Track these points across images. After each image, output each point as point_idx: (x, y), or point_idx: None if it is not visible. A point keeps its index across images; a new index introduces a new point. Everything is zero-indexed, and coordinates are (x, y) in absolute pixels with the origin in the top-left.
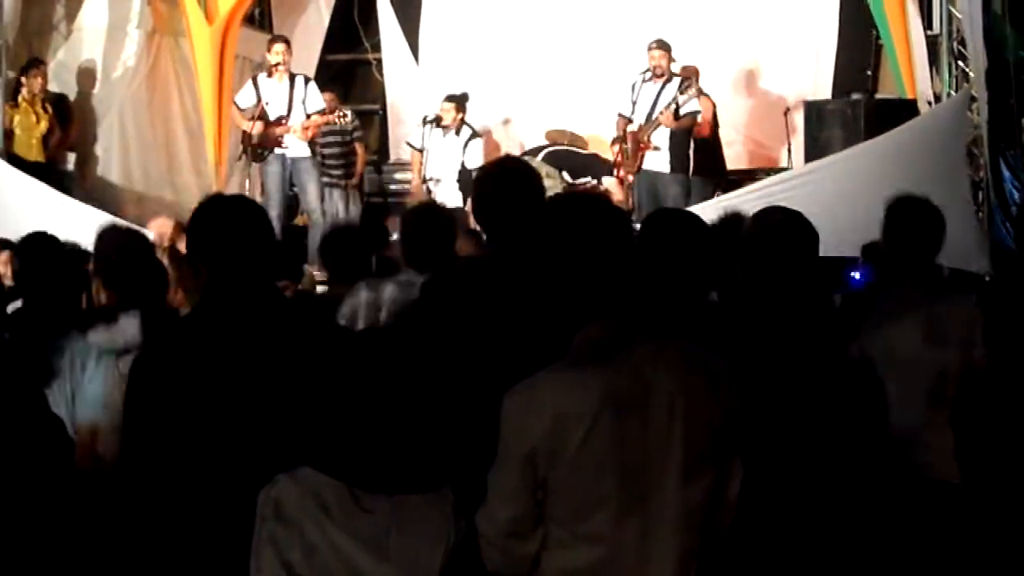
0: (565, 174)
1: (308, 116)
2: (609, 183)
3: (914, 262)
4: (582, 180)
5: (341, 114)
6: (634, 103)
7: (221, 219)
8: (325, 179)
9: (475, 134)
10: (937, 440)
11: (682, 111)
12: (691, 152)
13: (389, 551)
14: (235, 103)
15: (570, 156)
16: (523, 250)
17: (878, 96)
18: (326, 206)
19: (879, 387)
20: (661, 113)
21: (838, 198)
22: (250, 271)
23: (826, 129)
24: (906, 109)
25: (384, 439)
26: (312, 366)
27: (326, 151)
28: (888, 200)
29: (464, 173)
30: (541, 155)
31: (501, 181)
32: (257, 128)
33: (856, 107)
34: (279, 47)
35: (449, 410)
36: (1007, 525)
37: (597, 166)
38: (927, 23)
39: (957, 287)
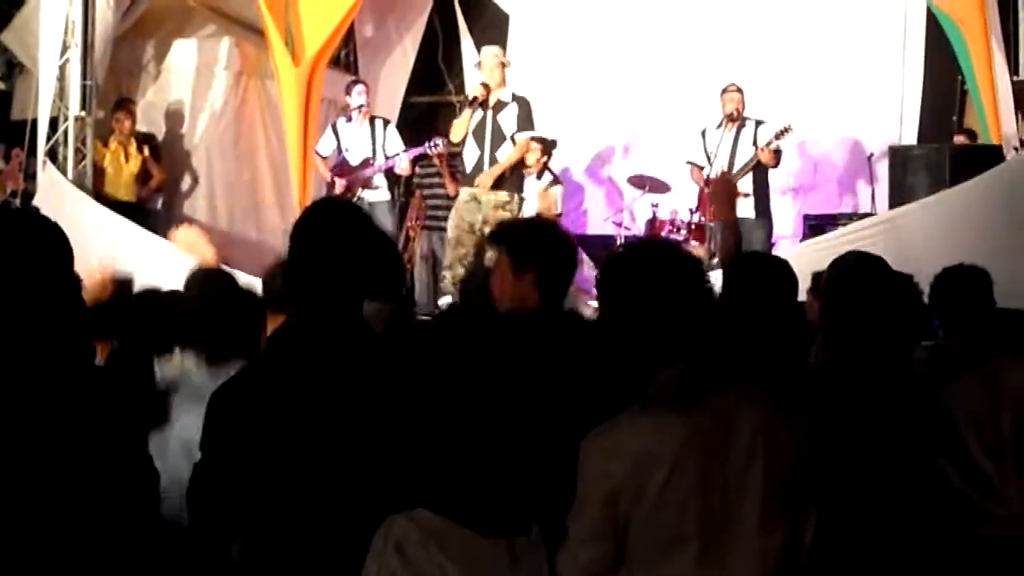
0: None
1: (387, 158)
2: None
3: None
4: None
5: (433, 143)
6: (710, 153)
7: (333, 218)
8: (429, 221)
9: (555, 180)
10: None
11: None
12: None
13: None
14: (316, 152)
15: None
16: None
17: (963, 142)
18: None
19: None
20: (761, 151)
21: (922, 244)
22: (350, 286)
23: (911, 175)
24: (991, 155)
25: (504, 480)
26: (421, 405)
27: (428, 191)
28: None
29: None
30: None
31: None
32: (340, 185)
33: (941, 153)
34: (360, 88)
35: (545, 450)
36: None
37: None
38: (1013, 68)
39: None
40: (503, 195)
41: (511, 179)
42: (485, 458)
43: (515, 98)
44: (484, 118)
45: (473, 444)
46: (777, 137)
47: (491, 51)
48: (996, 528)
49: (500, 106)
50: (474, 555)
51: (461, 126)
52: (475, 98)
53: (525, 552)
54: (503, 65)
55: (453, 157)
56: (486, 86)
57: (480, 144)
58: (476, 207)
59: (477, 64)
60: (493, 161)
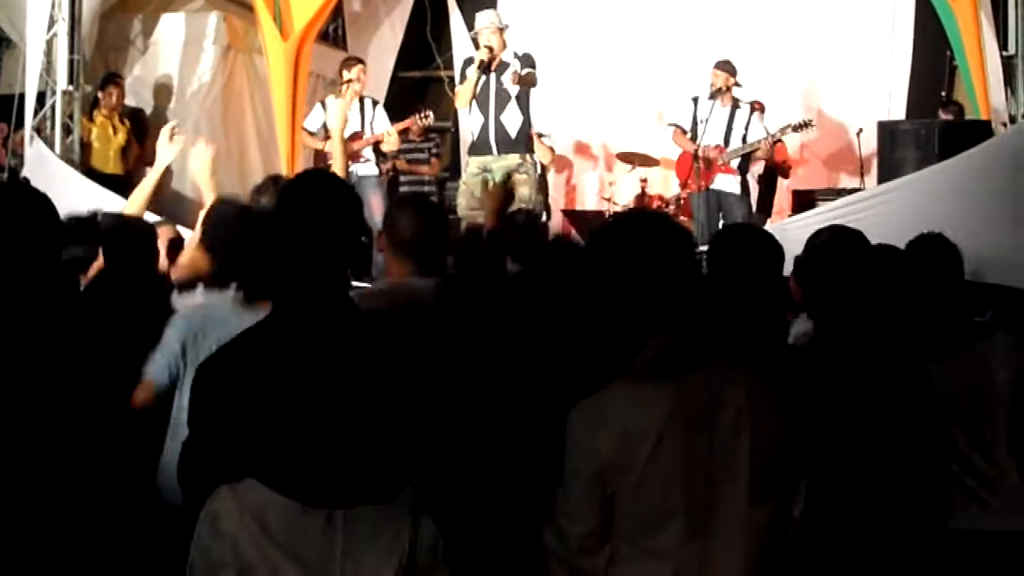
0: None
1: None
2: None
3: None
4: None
5: (424, 115)
6: (702, 121)
7: (317, 189)
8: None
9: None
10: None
11: (749, 138)
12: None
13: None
14: (304, 128)
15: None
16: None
17: (948, 117)
18: None
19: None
20: (760, 143)
21: (911, 219)
22: (335, 259)
23: (899, 150)
24: (980, 130)
25: (332, 449)
26: (261, 373)
27: (406, 168)
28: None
29: None
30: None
31: None
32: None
33: (930, 128)
34: (359, 67)
35: (413, 417)
36: None
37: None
38: (1003, 43)
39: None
40: (513, 158)
41: (518, 138)
42: (323, 423)
43: (517, 56)
44: (487, 82)
45: (313, 408)
46: (795, 129)
47: (486, 18)
48: (990, 521)
49: (503, 67)
50: (291, 527)
51: (467, 91)
52: (481, 61)
53: (354, 525)
54: (500, 31)
55: (428, 138)
56: (490, 48)
57: (484, 109)
58: (486, 180)
59: (474, 34)
60: (499, 125)
